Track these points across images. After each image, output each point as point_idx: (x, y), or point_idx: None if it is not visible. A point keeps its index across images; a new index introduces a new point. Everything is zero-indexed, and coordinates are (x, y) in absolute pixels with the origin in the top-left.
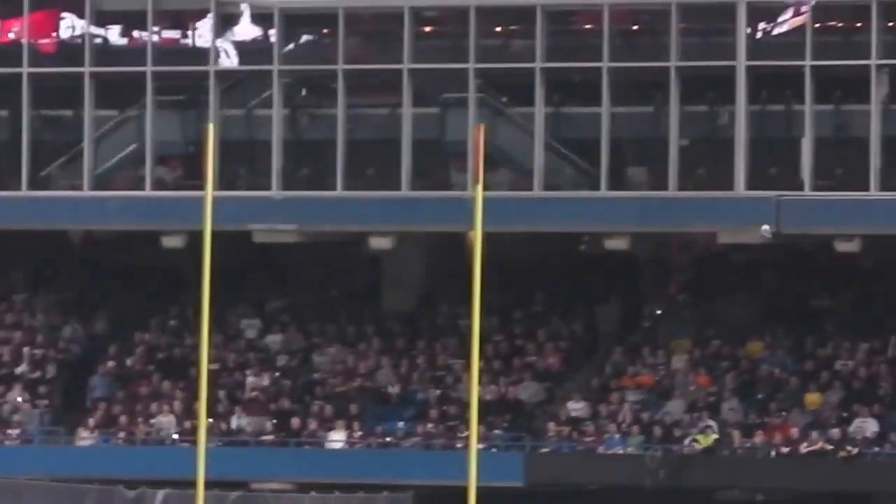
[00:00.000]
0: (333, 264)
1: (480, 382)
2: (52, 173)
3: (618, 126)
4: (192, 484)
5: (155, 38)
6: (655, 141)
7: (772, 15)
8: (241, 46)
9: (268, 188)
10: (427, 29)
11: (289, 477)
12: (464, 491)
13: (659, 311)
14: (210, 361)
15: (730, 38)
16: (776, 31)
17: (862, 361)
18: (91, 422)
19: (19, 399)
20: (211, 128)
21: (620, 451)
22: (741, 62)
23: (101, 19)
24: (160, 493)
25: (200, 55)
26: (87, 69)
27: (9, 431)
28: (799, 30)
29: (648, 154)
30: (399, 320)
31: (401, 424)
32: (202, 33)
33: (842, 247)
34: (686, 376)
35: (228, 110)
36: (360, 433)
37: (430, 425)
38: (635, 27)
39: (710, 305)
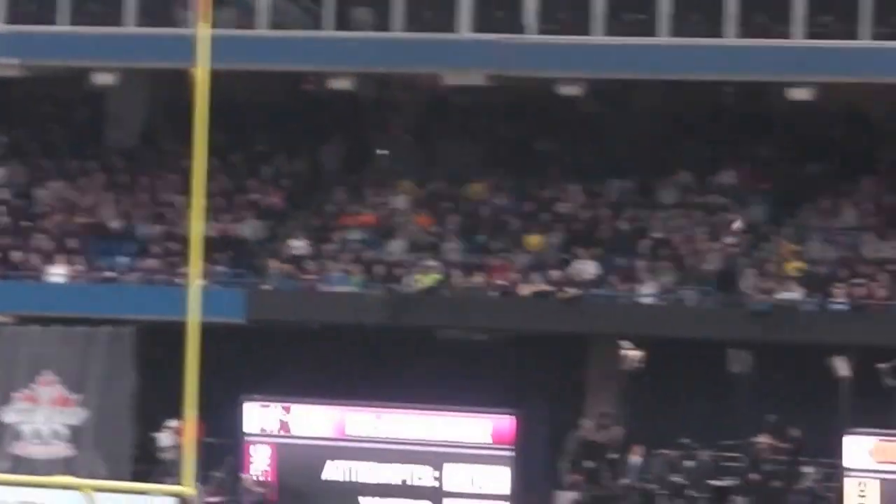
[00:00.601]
0: (57, 99)
1: (202, 219)
2: None
3: None
4: None
5: None
6: None
7: None
8: None
9: None
10: None
11: (10, 310)
12: (185, 326)
13: (382, 152)
14: None
15: None
16: None
17: (582, 204)
18: None
19: None
20: None
21: (342, 290)
22: None
23: None
24: None
25: None
26: None
27: None
28: None
29: None
30: (122, 156)
31: (123, 259)
32: None
33: (565, 90)
34: (408, 216)
35: None
36: (81, 268)
37: (152, 261)
38: None
39: (433, 147)
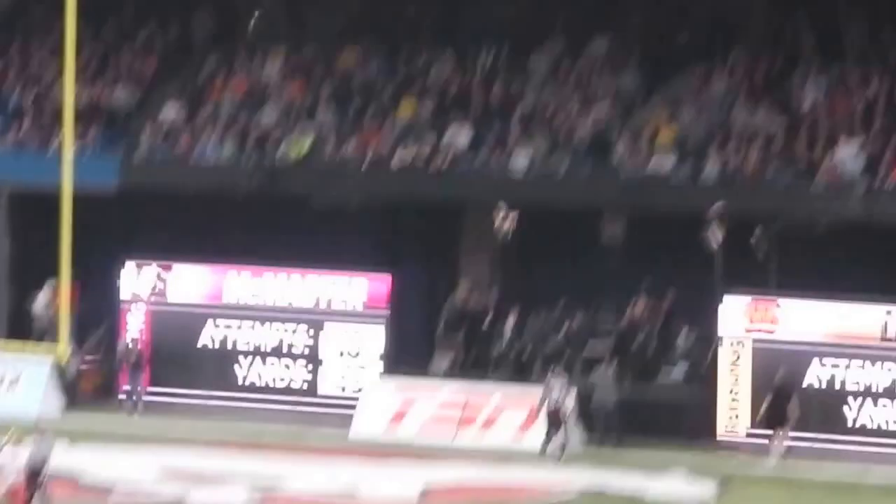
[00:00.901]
0: None
1: (75, 86)
2: None
3: None
4: None
5: None
6: None
7: None
8: None
9: None
10: None
11: None
12: (58, 194)
13: (254, 18)
14: None
15: None
16: None
17: (455, 72)
18: None
19: None
20: None
21: (214, 158)
22: None
23: None
24: None
25: None
26: None
27: None
28: None
29: None
30: None
31: None
32: None
33: None
34: (281, 84)
35: None
36: None
37: (24, 128)
38: None
39: (305, 12)
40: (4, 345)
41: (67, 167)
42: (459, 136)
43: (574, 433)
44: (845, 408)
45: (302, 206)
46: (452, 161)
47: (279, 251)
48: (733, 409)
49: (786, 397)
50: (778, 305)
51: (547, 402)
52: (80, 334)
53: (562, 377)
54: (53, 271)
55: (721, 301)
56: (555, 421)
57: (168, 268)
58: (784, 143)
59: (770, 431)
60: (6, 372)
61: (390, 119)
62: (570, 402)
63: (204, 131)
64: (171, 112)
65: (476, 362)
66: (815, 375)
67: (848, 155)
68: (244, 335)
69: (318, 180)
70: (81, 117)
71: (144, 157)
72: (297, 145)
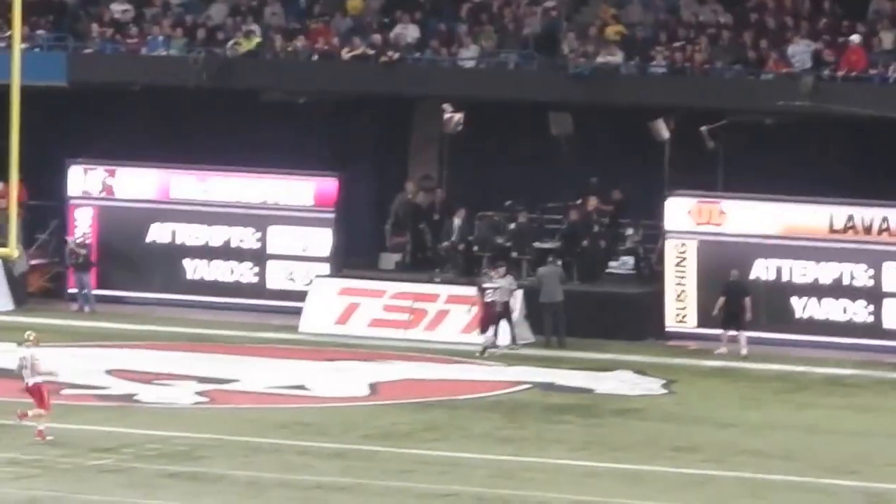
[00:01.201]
0: None
1: None
2: None
3: None
4: None
5: None
6: None
7: None
8: None
9: None
10: None
11: None
12: (7, 89)
13: None
14: None
15: None
16: None
17: None
18: None
19: None
20: None
21: (164, 53)
22: None
23: None
24: None
25: None
26: None
27: None
28: None
29: None
30: None
31: None
32: None
33: None
34: None
35: None
36: None
37: None
38: None
39: None
40: None
41: (16, 63)
42: (407, 31)
43: (522, 329)
44: (793, 300)
45: (250, 102)
46: (401, 56)
47: (228, 147)
48: (681, 304)
49: (740, 296)
50: (722, 211)
51: (485, 297)
52: (29, 233)
53: (507, 274)
54: (2, 171)
55: (669, 197)
56: (499, 317)
57: (113, 172)
58: (731, 37)
59: (723, 331)
60: None
61: (339, 15)
62: (516, 299)
63: (152, 27)
64: (119, 8)
65: (424, 260)
66: (764, 268)
67: (796, 49)
68: (192, 234)
69: (265, 76)
70: (30, 14)
71: (93, 54)
72: (246, 41)
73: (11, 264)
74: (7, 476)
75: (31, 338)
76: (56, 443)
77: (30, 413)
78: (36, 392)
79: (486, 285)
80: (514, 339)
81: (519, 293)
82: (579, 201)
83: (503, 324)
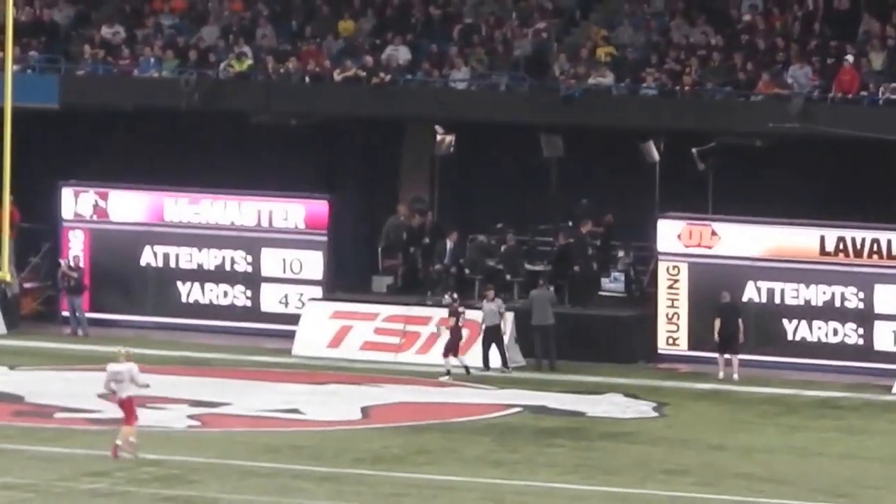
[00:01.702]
0: None
1: (15, 4)
2: None
3: None
4: None
5: None
6: None
7: None
8: None
9: None
10: None
11: None
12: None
13: None
14: None
15: None
16: None
17: None
18: None
19: None
20: None
21: (155, 75)
22: None
23: None
24: None
25: None
26: None
27: None
28: None
29: None
30: None
31: None
32: None
33: None
34: (220, 2)
35: None
36: None
37: None
38: None
39: None
40: None
41: (8, 86)
42: (398, 52)
43: (513, 352)
44: (784, 323)
45: (241, 125)
46: (392, 78)
47: (219, 170)
48: (672, 327)
49: (734, 318)
50: (714, 233)
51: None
52: (22, 256)
53: (496, 297)
54: None
55: (659, 219)
56: (490, 340)
57: (105, 195)
58: (722, 59)
59: (719, 355)
60: None
61: (330, 37)
62: (506, 322)
63: (145, 48)
64: (111, 29)
65: (415, 283)
66: (755, 291)
67: (796, 73)
68: (185, 257)
69: (256, 98)
70: (22, 35)
71: (84, 75)
72: (238, 63)
73: (4, 287)
74: (1, 500)
75: (124, 352)
76: (49, 467)
77: (118, 441)
78: (128, 405)
79: (459, 309)
80: (505, 363)
81: (510, 316)
82: (570, 224)
83: (493, 347)
